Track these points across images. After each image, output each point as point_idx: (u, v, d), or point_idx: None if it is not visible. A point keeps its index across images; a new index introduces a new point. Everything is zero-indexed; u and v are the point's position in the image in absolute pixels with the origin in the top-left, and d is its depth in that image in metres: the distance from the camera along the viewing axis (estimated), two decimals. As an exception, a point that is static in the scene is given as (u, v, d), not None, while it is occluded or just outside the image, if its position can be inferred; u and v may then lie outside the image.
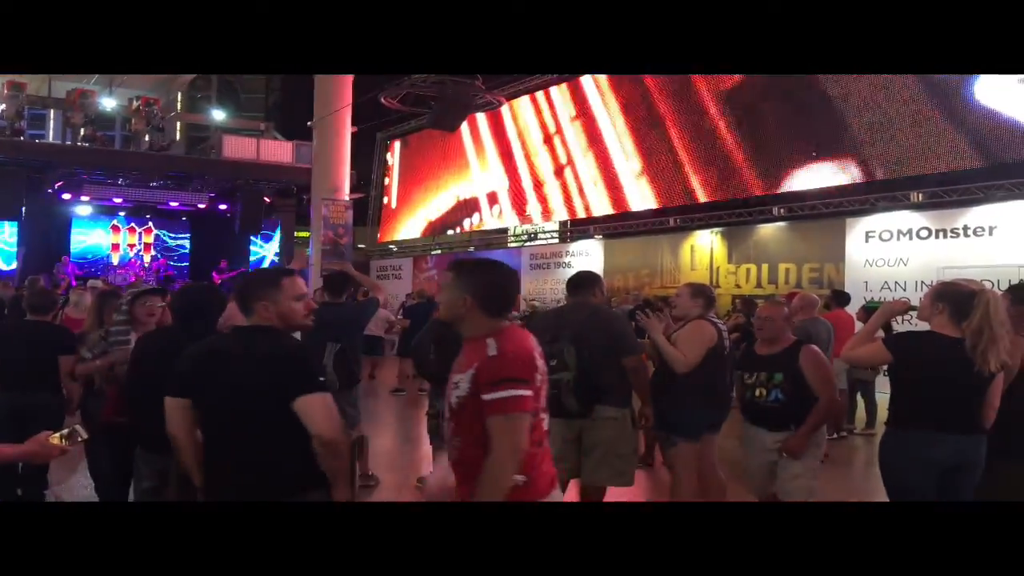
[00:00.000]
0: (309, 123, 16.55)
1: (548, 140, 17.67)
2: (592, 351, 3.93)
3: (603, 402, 3.97)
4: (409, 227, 22.52)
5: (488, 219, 19.54)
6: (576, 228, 17.63)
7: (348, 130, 16.19)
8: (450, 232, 20.94)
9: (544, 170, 17.77)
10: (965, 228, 10.49)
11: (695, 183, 14.34)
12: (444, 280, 2.53)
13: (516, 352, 2.30)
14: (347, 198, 16.30)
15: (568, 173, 17.08)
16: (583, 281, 4.39)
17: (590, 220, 17.00)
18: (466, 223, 20.27)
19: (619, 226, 16.28)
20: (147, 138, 18.90)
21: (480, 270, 2.49)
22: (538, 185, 17.84)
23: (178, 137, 22.62)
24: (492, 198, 19.33)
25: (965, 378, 3.37)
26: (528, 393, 2.23)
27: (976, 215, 10.40)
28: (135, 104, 18.57)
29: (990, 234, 10.20)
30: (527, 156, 18.27)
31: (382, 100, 14.48)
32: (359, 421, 5.54)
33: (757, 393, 4.06)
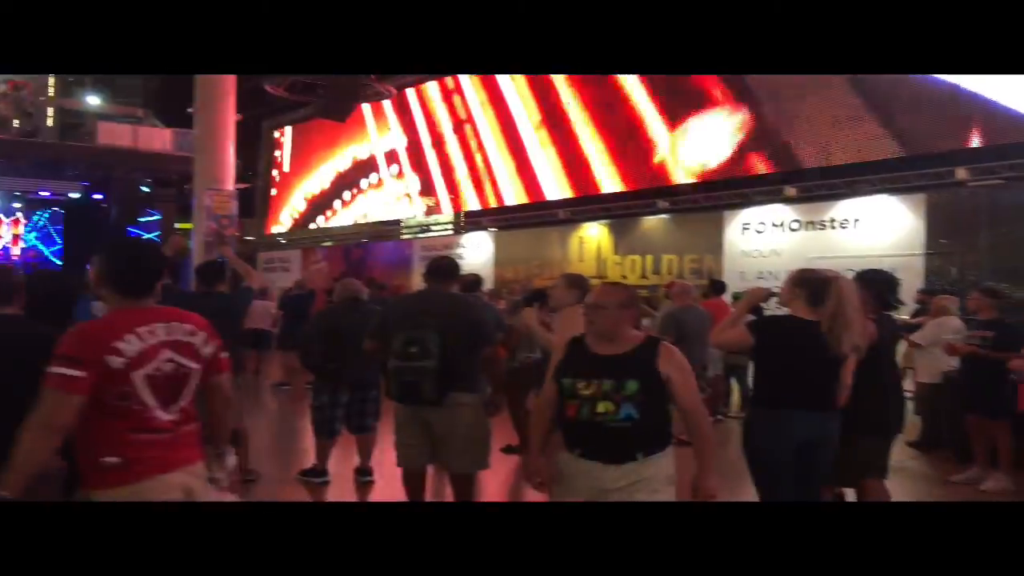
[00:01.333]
0: (190, 109, 16.00)
1: (458, 127, 17.56)
2: (454, 340, 3.97)
3: (458, 389, 4.02)
4: (297, 203, 22.02)
5: (387, 179, 19.28)
6: (469, 220, 17.69)
7: (232, 118, 15.72)
8: (341, 206, 20.60)
9: (452, 157, 17.72)
10: (832, 221, 11.14)
11: (599, 174, 14.54)
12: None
13: (83, 332, 2.33)
14: (232, 188, 15.85)
15: (478, 161, 17.08)
16: (446, 269, 4.37)
17: (483, 212, 17.09)
18: (363, 183, 19.98)
19: (511, 218, 16.43)
20: (16, 123, 17.89)
21: (108, 251, 2.53)
22: (446, 170, 17.78)
23: (51, 123, 21.47)
24: (391, 156, 19.10)
25: (820, 359, 3.59)
26: (74, 373, 2.22)
27: (842, 209, 11.06)
28: (2, 88, 17.53)
29: (854, 226, 10.87)
30: (434, 140, 18.16)
31: (267, 88, 14.14)
32: (240, 415, 5.42)
33: (601, 409, 2.85)
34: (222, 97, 15.24)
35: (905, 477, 5.96)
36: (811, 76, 11.17)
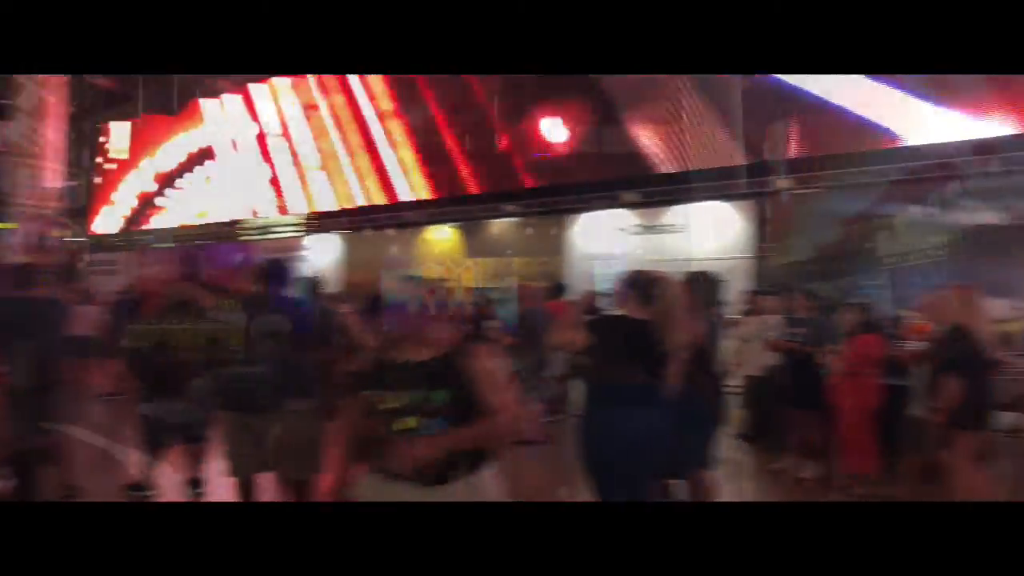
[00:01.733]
0: (10, 102, 14.80)
1: (306, 123, 16.97)
2: (285, 345, 3.86)
3: (289, 395, 3.91)
4: (128, 201, 20.67)
5: (226, 177, 18.32)
6: (314, 221, 17.21)
7: (59, 110, 14.67)
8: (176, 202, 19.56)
9: (298, 154, 17.14)
10: (669, 225, 11.74)
11: (449, 176, 14.44)
12: None
13: None
14: (56, 186, 14.78)
15: (326, 159, 16.59)
16: (280, 272, 4.29)
17: (330, 213, 16.69)
18: (201, 180, 18.94)
19: (360, 219, 16.13)
20: None
21: None
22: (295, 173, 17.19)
23: None
24: (232, 153, 18.21)
25: (650, 356, 3.73)
26: None
27: (678, 213, 11.62)
28: None
29: (689, 230, 11.46)
30: (279, 137, 17.47)
31: (95, 81, 13.29)
32: (59, 427, 5.05)
33: (402, 427, 2.44)
34: (46, 88, 14.20)
35: (731, 467, 6.29)
36: (655, 80, 11.59)
